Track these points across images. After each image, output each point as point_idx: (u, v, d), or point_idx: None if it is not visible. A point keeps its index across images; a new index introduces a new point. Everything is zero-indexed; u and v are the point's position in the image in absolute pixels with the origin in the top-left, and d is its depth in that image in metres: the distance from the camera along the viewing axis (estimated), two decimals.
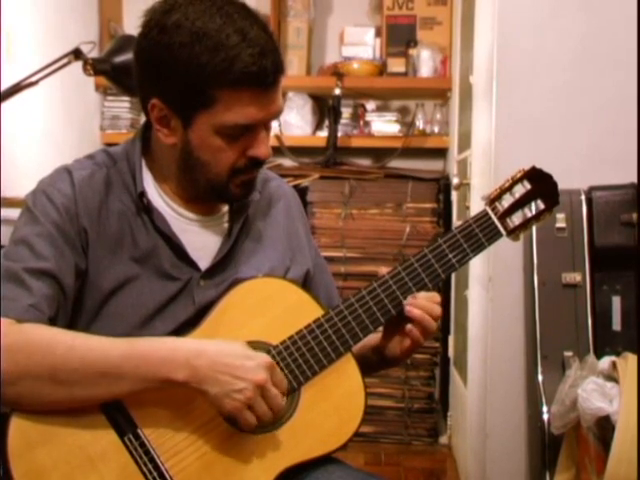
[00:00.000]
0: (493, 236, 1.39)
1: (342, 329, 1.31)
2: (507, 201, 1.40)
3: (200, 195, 1.34)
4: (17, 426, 1.17)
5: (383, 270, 1.35)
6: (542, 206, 1.41)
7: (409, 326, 1.32)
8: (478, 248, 1.38)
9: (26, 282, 1.22)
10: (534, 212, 1.41)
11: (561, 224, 2.30)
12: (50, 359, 1.16)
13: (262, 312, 1.30)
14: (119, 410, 1.20)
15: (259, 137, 1.28)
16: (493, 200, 1.40)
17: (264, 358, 1.21)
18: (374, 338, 1.39)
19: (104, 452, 1.18)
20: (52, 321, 1.23)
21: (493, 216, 1.39)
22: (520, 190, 1.41)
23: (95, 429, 1.19)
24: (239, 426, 1.22)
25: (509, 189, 1.41)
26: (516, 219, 1.40)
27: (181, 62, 1.21)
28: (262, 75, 1.22)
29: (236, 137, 1.26)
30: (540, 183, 1.41)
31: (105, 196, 1.31)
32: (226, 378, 1.17)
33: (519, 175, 1.41)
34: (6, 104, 2.68)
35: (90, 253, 1.28)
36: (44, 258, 1.24)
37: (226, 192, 1.32)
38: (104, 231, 1.30)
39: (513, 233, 1.40)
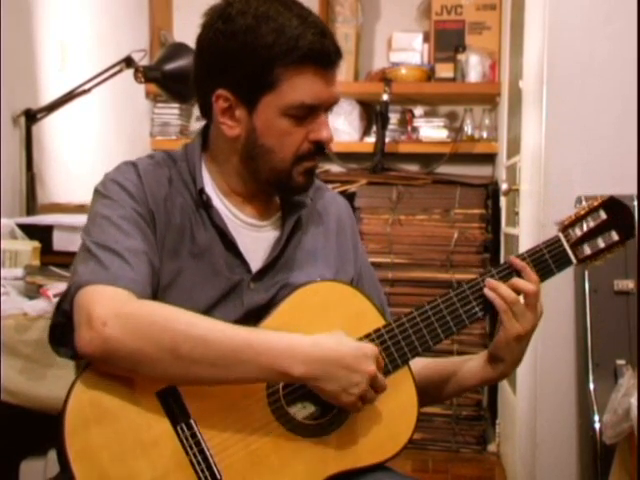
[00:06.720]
0: (563, 263, 1.36)
1: (401, 342, 1.31)
2: (580, 229, 1.37)
3: (262, 187, 1.36)
4: (75, 403, 1.18)
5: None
6: (616, 237, 1.38)
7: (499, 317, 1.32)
8: (546, 274, 1.36)
9: (125, 257, 1.23)
10: (607, 243, 1.38)
11: None
12: (171, 331, 1.16)
13: (324, 316, 1.30)
14: (175, 399, 1.22)
15: (321, 120, 1.31)
16: (567, 227, 1.38)
17: (372, 348, 1.23)
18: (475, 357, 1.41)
19: (156, 438, 1.20)
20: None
21: (565, 243, 1.37)
22: (595, 219, 1.38)
23: (149, 415, 1.20)
24: (346, 410, 1.25)
25: (584, 217, 1.38)
26: (588, 248, 1.37)
27: (247, 45, 1.26)
28: (325, 53, 1.28)
29: (301, 119, 1.29)
30: (616, 214, 1.38)
31: (169, 190, 1.34)
32: (343, 373, 1.19)
33: (596, 204, 1.38)
34: (60, 112, 2.73)
35: (158, 239, 1.30)
36: (134, 237, 1.26)
37: (289, 181, 1.34)
38: (169, 221, 1.32)
39: (583, 262, 1.38)
